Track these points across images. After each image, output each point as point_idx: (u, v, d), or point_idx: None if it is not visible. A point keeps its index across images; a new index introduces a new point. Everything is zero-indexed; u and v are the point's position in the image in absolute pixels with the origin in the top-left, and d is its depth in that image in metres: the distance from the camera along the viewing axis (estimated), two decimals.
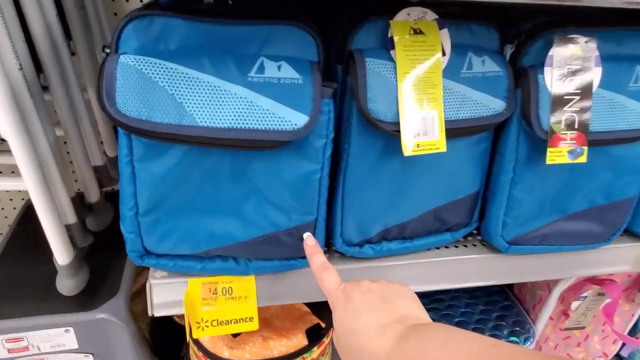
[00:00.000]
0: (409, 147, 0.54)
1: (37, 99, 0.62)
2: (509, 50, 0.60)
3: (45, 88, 0.70)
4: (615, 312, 0.87)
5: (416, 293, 0.46)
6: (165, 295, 0.59)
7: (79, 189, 0.79)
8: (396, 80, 0.53)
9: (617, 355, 1.04)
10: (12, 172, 0.65)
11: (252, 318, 0.61)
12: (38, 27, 0.61)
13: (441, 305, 0.93)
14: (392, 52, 0.53)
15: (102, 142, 0.85)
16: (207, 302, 0.60)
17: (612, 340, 1.01)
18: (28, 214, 0.94)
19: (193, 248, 0.56)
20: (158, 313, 0.60)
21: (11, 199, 0.97)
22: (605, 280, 0.85)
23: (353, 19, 0.54)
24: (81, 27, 0.73)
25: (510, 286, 1.00)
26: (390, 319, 0.40)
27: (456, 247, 0.70)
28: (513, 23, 0.61)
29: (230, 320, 0.60)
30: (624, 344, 1.02)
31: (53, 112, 0.69)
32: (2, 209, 1.04)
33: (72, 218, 0.71)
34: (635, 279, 0.90)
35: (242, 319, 0.60)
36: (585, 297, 0.86)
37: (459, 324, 0.90)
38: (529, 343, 0.87)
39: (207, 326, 0.59)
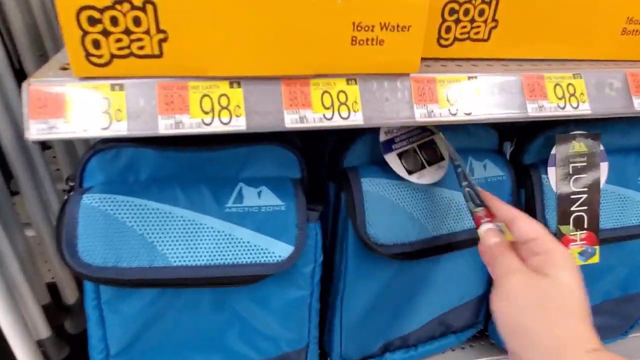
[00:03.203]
0: None
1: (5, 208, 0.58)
2: (508, 149, 0.57)
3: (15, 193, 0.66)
4: None
5: None
6: None
7: (52, 278, 0.74)
8: (395, 198, 0.48)
9: None
10: None
11: None
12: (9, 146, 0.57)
13: None
14: (386, 155, 0.48)
15: None
16: None
17: None
18: None
19: None
20: None
21: None
22: None
23: (343, 137, 0.50)
24: None
25: None
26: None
27: (462, 348, 0.65)
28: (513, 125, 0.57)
29: None
30: None
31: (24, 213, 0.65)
32: None
33: (44, 332, 0.66)
34: None
35: None
36: None
37: None
38: None
39: None
